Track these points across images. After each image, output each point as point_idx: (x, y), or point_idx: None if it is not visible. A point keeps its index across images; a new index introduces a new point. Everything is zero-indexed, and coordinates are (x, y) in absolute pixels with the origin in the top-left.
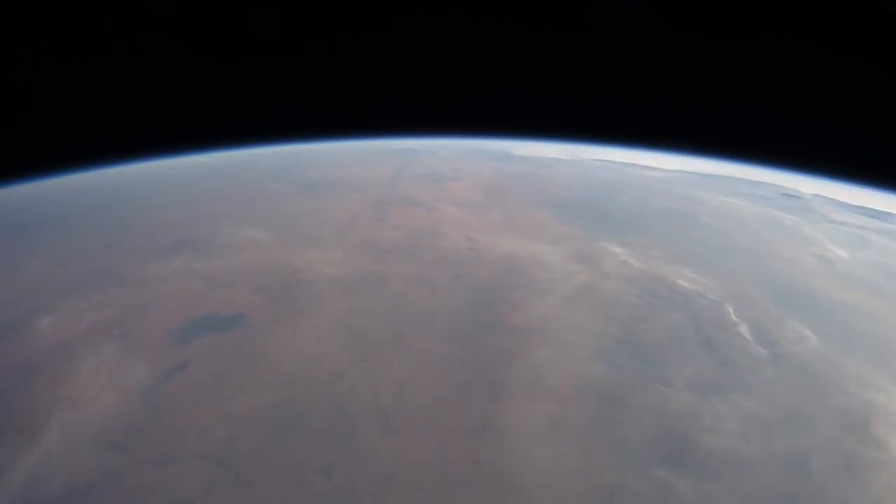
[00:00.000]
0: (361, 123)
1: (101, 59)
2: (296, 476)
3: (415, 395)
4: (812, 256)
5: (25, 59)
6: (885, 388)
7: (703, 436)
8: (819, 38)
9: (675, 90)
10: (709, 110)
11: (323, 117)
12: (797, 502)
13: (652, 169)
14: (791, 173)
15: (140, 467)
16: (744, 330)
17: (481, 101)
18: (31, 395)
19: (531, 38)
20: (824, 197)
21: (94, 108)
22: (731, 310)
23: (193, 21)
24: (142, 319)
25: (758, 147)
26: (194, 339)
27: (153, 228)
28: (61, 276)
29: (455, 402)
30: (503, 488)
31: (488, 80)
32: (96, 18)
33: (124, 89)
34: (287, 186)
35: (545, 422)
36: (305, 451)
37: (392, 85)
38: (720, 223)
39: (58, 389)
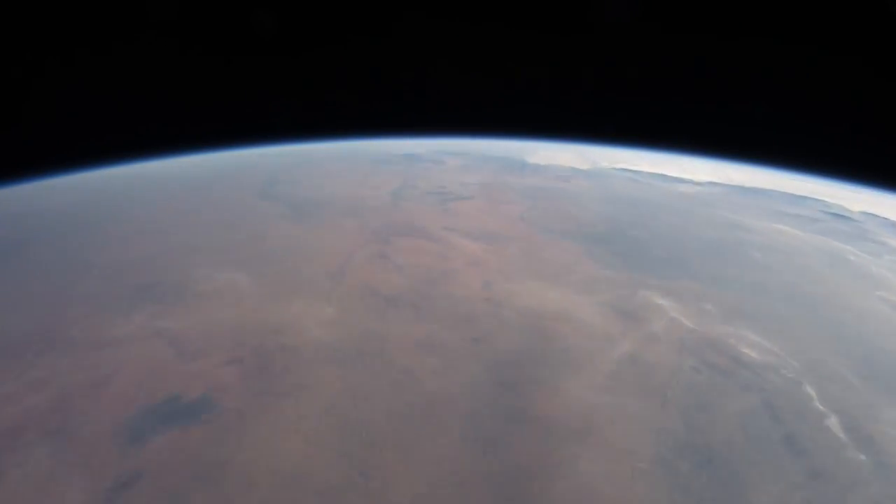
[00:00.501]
0: (362, 123)
1: (97, 58)
2: None
3: None
4: (887, 305)
5: (24, 59)
6: None
7: None
8: (819, 37)
9: (676, 90)
10: (711, 110)
11: (324, 117)
12: None
13: (681, 181)
14: (792, 173)
15: None
16: (833, 423)
17: (485, 101)
18: None
19: (534, 38)
20: (875, 216)
21: (89, 108)
22: (812, 393)
23: (189, 20)
24: (88, 405)
25: (759, 147)
26: (150, 437)
27: (118, 266)
28: None
29: None
30: None
31: (492, 79)
32: (95, 18)
33: (120, 89)
34: (275, 206)
35: None
36: None
37: (396, 84)
38: (774, 260)
39: None
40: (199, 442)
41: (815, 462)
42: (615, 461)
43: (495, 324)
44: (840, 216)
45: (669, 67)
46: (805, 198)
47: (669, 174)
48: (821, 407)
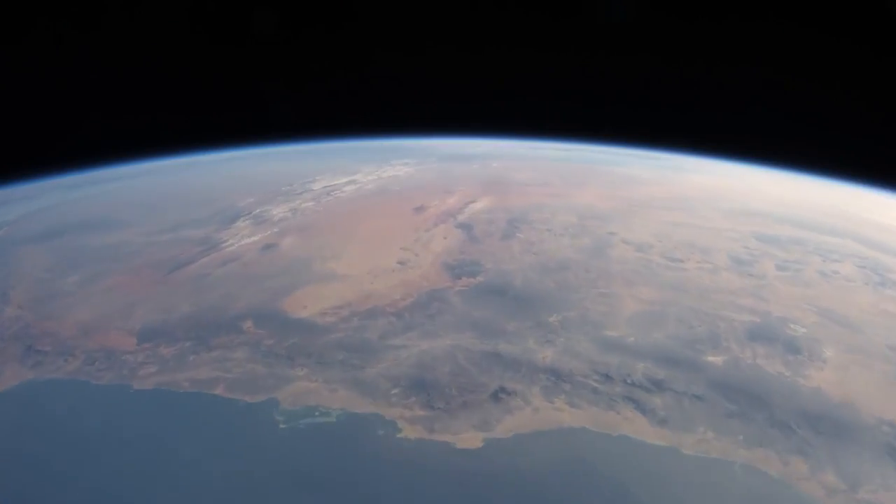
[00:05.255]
0: (351, 123)
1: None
2: None
3: None
4: None
5: (22, 58)
6: None
7: None
8: (819, 37)
9: (677, 89)
10: (711, 110)
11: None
12: None
13: None
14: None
15: None
16: None
17: (481, 100)
18: None
19: (534, 36)
20: None
21: (85, 108)
22: None
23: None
24: None
25: (760, 147)
26: None
27: None
28: None
29: None
30: None
31: (487, 78)
32: (94, 19)
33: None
34: None
35: None
36: None
37: (391, 80)
38: None
39: None
40: None
41: None
42: None
43: None
44: None
45: (670, 67)
46: None
47: None
48: None
